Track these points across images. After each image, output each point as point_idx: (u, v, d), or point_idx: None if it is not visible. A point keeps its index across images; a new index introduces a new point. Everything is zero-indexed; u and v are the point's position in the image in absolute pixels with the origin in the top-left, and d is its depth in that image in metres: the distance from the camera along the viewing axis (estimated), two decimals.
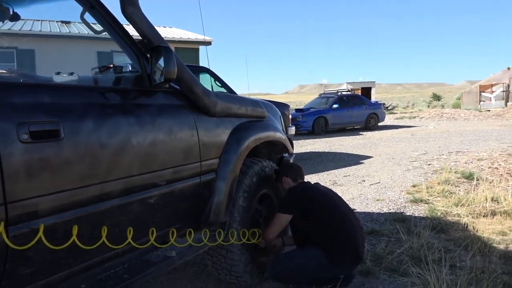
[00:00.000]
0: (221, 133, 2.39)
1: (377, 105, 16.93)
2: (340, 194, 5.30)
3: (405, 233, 3.59)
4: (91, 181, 1.58)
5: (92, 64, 2.50)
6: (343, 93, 16.59)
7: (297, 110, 15.80)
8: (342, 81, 32.04)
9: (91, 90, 1.81)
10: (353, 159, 8.43)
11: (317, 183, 2.84)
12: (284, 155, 3.29)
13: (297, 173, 2.80)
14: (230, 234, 2.44)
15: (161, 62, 1.88)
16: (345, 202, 2.72)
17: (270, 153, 3.28)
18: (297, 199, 2.57)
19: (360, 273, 2.88)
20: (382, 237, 3.63)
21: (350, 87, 26.65)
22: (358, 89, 27.49)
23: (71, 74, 2.04)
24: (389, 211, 4.47)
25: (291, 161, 3.39)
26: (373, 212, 4.46)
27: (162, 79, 1.88)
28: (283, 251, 3.05)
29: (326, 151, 10.10)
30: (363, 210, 4.57)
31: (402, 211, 4.46)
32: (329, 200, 2.59)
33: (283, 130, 3.25)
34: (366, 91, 28.64)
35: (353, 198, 5.12)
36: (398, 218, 4.10)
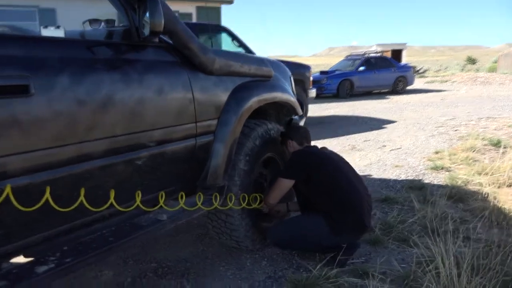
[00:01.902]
0: (220, 93, 2.25)
1: (406, 68, 16.23)
2: (357, 159, 5.19)
3: (421, 202, 3.43)
4: (67, 141, 1.49)
5: None
6: (370, 55, 15.94)
7: (321, 72, 15.37)
8: (373, 43, 30.86)
9: (72, 44, 1.69)
10: (376, 124, 8.15)
11: (323, 148, 2.69)
12: (293, 117, 3.13)
13: (303, 137, 2.65)
14: (229, 199, 2.35)
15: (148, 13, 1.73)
16: (352, 168, 2.57)
17: (279, 115, 3.13)
18: (300, 164, 2.44)
19: (368, 241, 2.77)
20: (396, 205, 3.47)
21: (379, 49, 25.66)
22: (388, 51, 26.45)
23: (58, 27, 1.93)
24: (407, 178, 4.28)
25: (301, 124, 3.23)
26: (390, 179, 4.29)
27: (148, 32, 1.74)
28: (288, 216, 2.97)
29: (349, 115, 9.82)
30: (380, 177, 4.40)
31: (420, 178, 4.26)
32: (334, 165, 2.44)
33: (292, 91, 3.08)
34: (397, 53, 27.53)
35: (370, 164, 4.95)
36: (415, 186, 3.92)
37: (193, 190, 2.28)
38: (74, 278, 2.42)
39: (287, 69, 3.13)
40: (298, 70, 7.52)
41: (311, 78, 7.85)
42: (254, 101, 2.42)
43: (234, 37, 6.85)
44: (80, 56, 1.62)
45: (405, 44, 28.65)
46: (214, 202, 2.22)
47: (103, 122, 1.62)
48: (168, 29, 1.96)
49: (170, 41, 2.03)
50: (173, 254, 2.76)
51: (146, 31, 1.78)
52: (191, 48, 2.04)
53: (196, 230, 3.12)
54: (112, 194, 1.65)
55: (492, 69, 26.39)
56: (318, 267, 2.34)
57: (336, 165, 2.46)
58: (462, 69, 28.93)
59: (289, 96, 2.80)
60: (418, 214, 3.09)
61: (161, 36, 2.02)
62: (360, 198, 2.38)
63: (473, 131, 6.50)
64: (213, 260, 2.65)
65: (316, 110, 10.99)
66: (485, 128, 6.98)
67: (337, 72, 14.83)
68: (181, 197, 2.05)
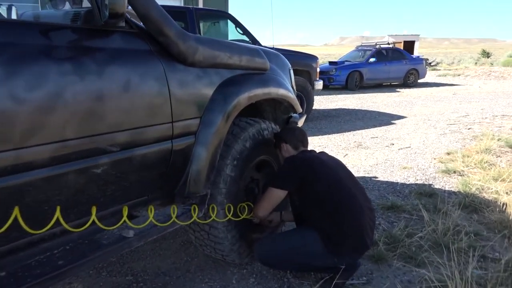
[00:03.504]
0: (202, 88, 1.94)
1: (418, 60, 15.71)
2: (363, 159, 4.86)
3: (431, 211, 3.11)
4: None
5: None
6: (381, 46, 15.44)
7: (330, 63, 14.93)
8: (385, 33, 30.17)
9: (14, 27, 1.38)
10: (385, 119, 7.78)
11: (322, 153, 2.37)
12: (292, 115, 2.81)
13: (299, 140, 2.33)
14: (211, 210, 2.06)
15: None
16: (353, 178, 2.25)
17: (276, 113, 2.82)
18: (293, 172, 2.12)
19: (370, 258, 2.46)
20: (403, 214, 3.16)
21: (391, 40, 25.09)
22: (400, 43, 25.85)
23: (9, 7, 1.62)
24: (416, 182, 3.95)
25: (301, 123, 2.90)
26: (397, 182, 3.96)
27: (107, 14, 1.42)
28: (281, 227, 2.67)
29: (356, 108, 9.44)
30: (386, 179, 4.08)
31: (430, 182, 3.93)
32: (331, 175, 2.13)
33: (292, 86, 2.75)
34: (409, 45, 26.91)
35: (377, 164, 4.61)
36: (425, 192, 3.59)
37: (171, 200, 1.99)
38: None
39: (286, 60, 2.79)
40: (304, 60, 7.17)
41: (318, 69, 7.49)
42: (243, 98, 2.10)
43: (237, 24, 6.49)
44: (21, 42, 1.32)
45: (418, 35, 28.00)
46: (193, 215, 1.92)
47: (48, 123, 1.31)
48: (140, 12, 1.65)
49: (143, 26, 1.72)
50: (152, 265, 2.48)
51: (107, 14, 1.47)
52: (167, 34, 1.72)
53: (182, 237, 2.84)
54: (58, 211, 1.36)
55: (507, 63, 25.61)
56: None
57: (334, 174, 2.14)
58: (476, 63, 28.17)
59: (286, 92, 2.47)
60: (427, 227, 2.77)
61: (132, 20, 1.71)
62: (361, 215, 2.07)
63: (487, 130, 6.12)
64: (195, 275, 2.36)
65: (323, 102, 10.64)
66: (500, 127, 6.60)
67: (346, 63, 14.38)
68: (151, 211, 1.75)
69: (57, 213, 1.35)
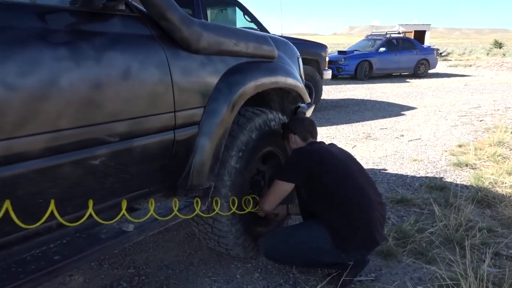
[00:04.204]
0: (207, 76, 1.85)
1: (429, 50, 15.43)
2: (372, 150, 4.75)
3: (442, 206, 3.02)
4: None
5: None
6: (392, 35, 15.17)
7: (339, 52, 14.71)
8: (395, 23, 29.70)
9: (8, 9, 1.30)
10: (394, 110, 7.64)
11: (331, 144, 2.28)
12: (300, 105, 2.72)
13: (308, 131, 2.24)
14: (215, 203, 1.99)
15: None
16: (363, 172, 2.16)
17: (284, 103, 2.72)
18: (300, 165, 2.04)
19: (379, 253, 2.38)
20: (413, 208, 3.07)
21: (402, 29, 24.69)
22: (411, 32, 25.42)
23: None
24: (427, 175, 3.85)
25: (309, 113, 2.81)
26: (407, 175, 3.86)
27: None
28: (288, 221, 2.59)
29: (366, 98, 9.30)
30: (396, 172, 3.98)
31: (441, 176, 3.83)
32: (342, 168, 2.04)
33: (300, 75, 2.65)
34: (420, 34, 26.47)
35: (386, 156, 4.51)
36: (436, 185, 3.49)
37: (173, 192, 1.92)
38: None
39: (294, 48, 2.69)
40: (313, 49, 7.04)
41: (327, 58, 7.35)
42: (250, 87, 2.01)
43: (245, 12, 6.36)
44: (14, 25, 1.24)
45: (429, 25, 27.54)
46: (196, 208, 1.85)
47: (41, 112, 1.24)
48: None
49: (145, 10, 1.63)
50: (155, 257, 2.43)
51: None
52: (170, 19, 1.63)
53: (186, 229, 2.78)
54: (52, 204, 1.29)
55: None
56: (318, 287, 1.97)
57: (343, 167, 2.05)
58: (488, 53, 27.65)
59: (294, 81, 2.38)
60: (438, 222, 2.68)
61: (133, 3, 1.63)
62: (371, 209, 1.98)
63: (500, 123, 5.98)
64: (198, 268, 2.31)
65: (331, 92, 10.50)
66: None
67: (355, 53, 14.16)
68: (151, 204, 1.68)
69: (51, 207, 1.28)
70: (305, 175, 2.01)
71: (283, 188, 2.07)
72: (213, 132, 1.87)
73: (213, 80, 1.88)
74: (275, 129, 2.31)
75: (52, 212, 1.30)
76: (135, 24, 1.60)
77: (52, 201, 1.29)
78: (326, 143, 2.26)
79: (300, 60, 2.75)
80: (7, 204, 1.18)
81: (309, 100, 2.64)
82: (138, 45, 1.57)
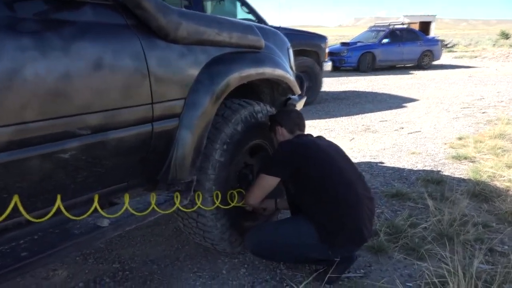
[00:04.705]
0: (187, 67, 1.78)
1: (433, 41, 15.23)
2: (370, 143, 4.67)
3: (438, 200, 2.95)
4: None
5: None
6: (395, 26, 14.98)
7: (342, 43, 14.56)
8: (402, 14, 29.36)
9: None
10: (395, 102, 7.54)
11: (319, 137, 2.21)
12: (290, 97, 2.65)
13: (295, 123, 2.18)
14: (197, 197, 1.94)
15: None
16: (352, 166, 2.10)
17: (274, 94, 2.66)
18: (286, 159, 1.98)
19: (369, 249, 2.33)
20: (408, 202, 3.00)
21: (406, 20, 24.41)
22: (416, 23, 25.13)
23: None
24: (424, 168, 3.78)
25: (300, 105, 2.74)
26: (404, 168, 3.79)
27: None
28: (277, 215, 2.54)
29: (367, 90, 9.19)
30: (393, 165, 3.91)
31: (439, 169, 3.75)
32: (328, 162, 1.98)
33: (290, 66, 2.58)
34: (425, 25, 26.19)
35: (384, 149, 4.43)
36: (433, 179, 3.42)
37: (154, 186, 1.87)
38: (20, 279, 2.08)
39: (285, 39, 2.61)
40: (313, 40, 6.95)
41: (327, 50, 7.25)
42: (233, 78, 1.95)
43: (243, 2, 6.27)
44: None
45: (435, 16, 27.23)
46: (176, 202, 1.80)
47: (3, 104, 1.19)
48: None
49: None
50: (141, 252, 2.39)
51: None
52: (145, 7, 1.56)
53: (175, 223, 2.73)
54: (15, 199, 1.24)
55: None
56: (303, 284, 1.92)
57: (330, 160, 1.98)
58: (494, 44, 27.30)
59: (282, 72, 2.31)
60: (432, 216, 2.61)
61: None
62: (358, 204, 1.92)
63: (503, 114, 5.88)
64: (184, 263, 2.26)
65: (332, 84, 10.39)
66: None
67: (358, 44, 14.01)
68: (127, 198, 1.63)
69: (13, 202, 1.24)
70: (291, 169, 1.96)
71: (269, 182, 2.01)
72: (194, 125, 1.81)
73: (194, 71, 1.81)
74: (262, 122, 2.25)
75: (17, 207, 1.25)
76: (107, 13, 1.53)
77: (16, 196, 1.25)
78: (314, 136, 2.20)
79: (291, 50, 2.68)
80: None
81: (299, 91, 2.57)
82: (111, 34, 1.50)
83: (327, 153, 2.00)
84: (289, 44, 2.66)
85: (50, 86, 1.29)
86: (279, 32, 2.57)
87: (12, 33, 1.23)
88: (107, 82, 1.46)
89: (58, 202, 1.36)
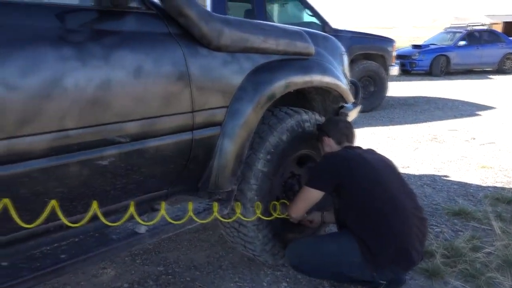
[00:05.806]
0: (230, 75, 1.77)
1: None
2: (436, 154, 4.37)
3: (507, 221, 2.67)
4: None
5: None
6: (474, 27, 13.98)
7: (414, 46, 13.86)
8: (483, 14, 27.46)
9: (19, 8, 1.31)
10: (469, 109, 7.01)
11: (370, 150, 2.08)
12: (344, 105, 2.53)
13: (343, 133, 2.07)
14: (237, 207, 1.91)
15: None
16: (402, 182, 1.95)
17: (326, 103, 2.56)
18: (329, 172, 1.88)
19: (423, 271, 2.15)
20: (472, 222, 2.74)
21: (489, 20, 22.72)
22: (499, 24, 23.34)
23: None
24: (494, 185, 3.45)
25: (354, 114, 2.60)
26: (472, 184, 3.49)
27: None
28: (325, 228, 2.44)
29: (438, 96, 8.65)
30: (459, 179, 3.61)
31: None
32: (374, 178, 1.85)
33: (343, 72, 2.47)
34: (510, 26, 24.20)
35: (450, 161, 4.12)
36: (503, 197, 3.10)
37: (195, 194, 1.87)
38: (72, 275, 2.19)
39: (338, 44, 2.51)
40: (379, 44, 6.68)
41: (394, 53, 6.93)
42: (279, 86, 1.90)
43: (306, 5, 6.18)
44: (24, 23, 1.25)
45: None
46: (214, 211, 1.78)
47: (45, 112, 1.24)
48: None
49: (162, 7, 1.59)
50: (186, 257, 2.41)
51: None
52: (188, 15, 1.57)
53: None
54: (52, 203, 1.29)
55: None
56: None
57: (377, 176, 1.85)
58: None
59: (333, 79, 2.21)
60: (498, 240, 2.36)
61: (150, 0, 1.59)
62: (405, 223, 1.78)
63: None
64: (226, 271, 2.25)
65: (401, 89, 9.91)
66: None
67: (431, 47, 13.26)
68: (163, 206, 1.64)
69: (51, 206, 1.28)
70: (334, 184, 1.86)
71: (312, 195, 1.93)
72: (236, 134, 1.79)
73: (237, 79, 1.79)
74: (310, 131, 2.16)
75: (55, 211, 1.30)
76: (150, 22, 1.56)
77: (54, 201, 1.29)
78: (363, 148, 2.07)
79: (345, 56, 2.56)
80: (7, 202, 1.19)
81: (352, 100, 2.45)
82: (153, 42, 1.52)
83: (374, 168, 1.88)
84: (343, 50, 2.55)
85: (93, 94, 1.33)
86: (331, 37, 2.47)
87: (60, 44, 1.29)
88: (148, 90, 1.48)
89: (95, 207, 1.39)
